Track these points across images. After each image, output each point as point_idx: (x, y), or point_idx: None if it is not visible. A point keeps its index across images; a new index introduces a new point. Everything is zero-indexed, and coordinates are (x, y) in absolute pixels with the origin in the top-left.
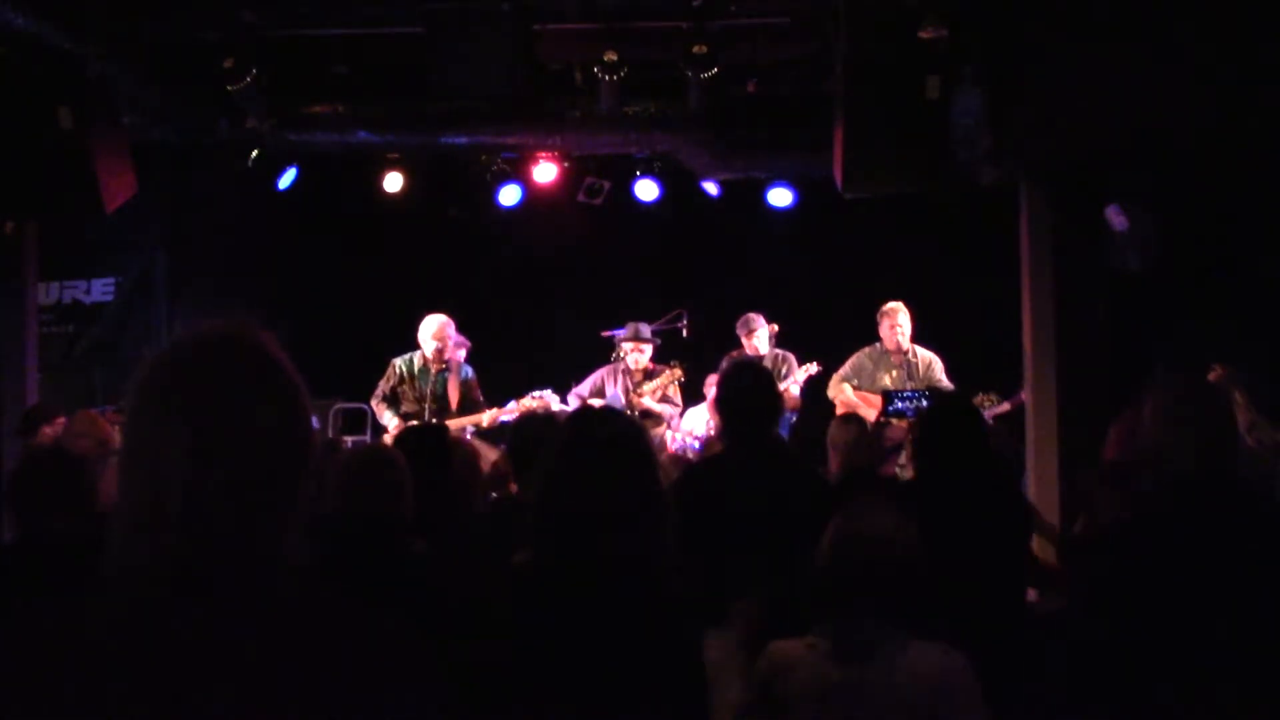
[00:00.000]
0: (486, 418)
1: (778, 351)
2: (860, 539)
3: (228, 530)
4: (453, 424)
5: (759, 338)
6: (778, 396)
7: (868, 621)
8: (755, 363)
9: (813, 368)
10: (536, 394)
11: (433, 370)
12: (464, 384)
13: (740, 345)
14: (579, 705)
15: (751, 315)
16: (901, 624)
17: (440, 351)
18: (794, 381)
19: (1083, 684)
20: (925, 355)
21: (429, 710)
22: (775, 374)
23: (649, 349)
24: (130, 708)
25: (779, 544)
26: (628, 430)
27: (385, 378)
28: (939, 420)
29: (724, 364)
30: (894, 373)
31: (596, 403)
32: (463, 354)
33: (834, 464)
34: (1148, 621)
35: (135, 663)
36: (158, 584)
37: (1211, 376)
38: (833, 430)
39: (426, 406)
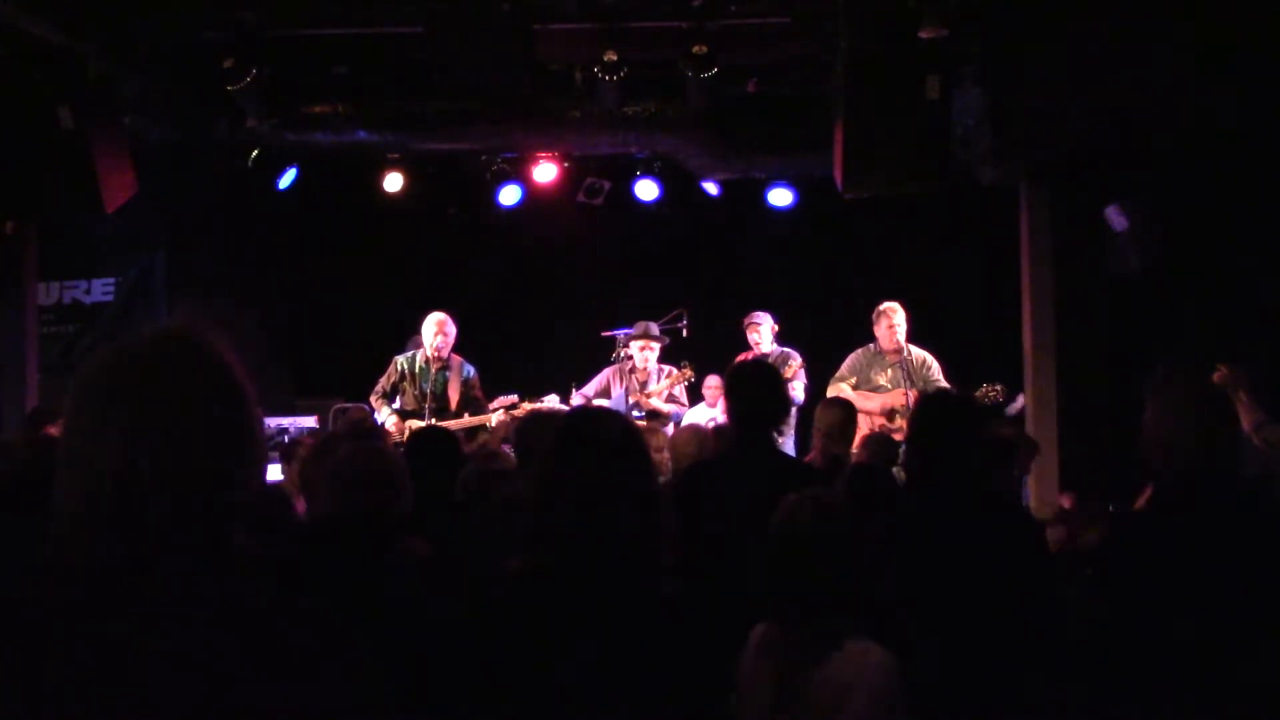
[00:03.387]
0: (494, 419)
1: (780, 349)
2: (785, 534)
3: (162, 524)
4: (454, 424)
5: (762, 334)
6: (780, 394)
7: (799, 614)
8: (762, 362)
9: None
10: (538, 402)
11: (433, 369)
12: (465, 383)
13: (749, 345)
14: (575, 708)
15: (756, 312)
16: (837, 619)
17: (441, 349)
18: (796, 380)
19: (1087, 678)
20: (920, 354)
21: (362, 704)
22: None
23: (658, 347)
24: (67, 698)
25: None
26: (623, 432)
27: (386, 374)
28: (930, 418)
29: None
30: (889, 372)
31: (600, 403)
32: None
33: (815, 447)
34: (1151, 617)
35: (72, 654)
36: (94, 576)
37: (1216, 377)
38: (817, 414)
39: (426, 405)
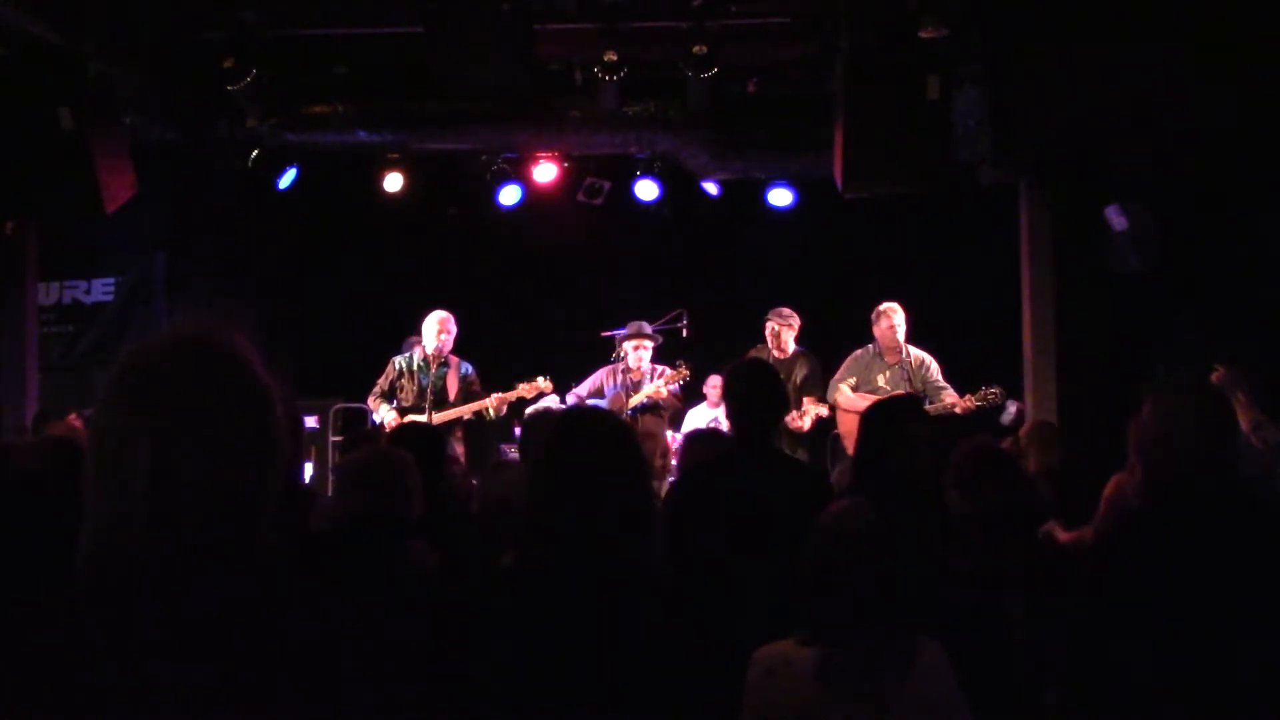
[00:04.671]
0: (492, 402)
1: (802, 350)
2: (851, 541)
3: (194, 530)
4: (452, 413)
5: (788, 334)
6: (782, 395)
7: (861, 624)
8: (761, 360)
9: (824, 410)
10: (531, 382)
11: (432, 366)
12: (463, 380)
13: (763, 340)
14: (570, 709)
15: (786, 309)
16: (890, 625)
17: (443, 348)
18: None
19: (1082, 685)
20: (919, 355)
21: (408, 703)
22: (791, 372)
23: (651, 346)
24: (103, 709)
25: (780, 544)
26: (616, 431)
27: (384, 374)
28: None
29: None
30: (888, 373)
31: (594, 403)
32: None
33: (850, 448)
34: (1148, 620)
35: (107, 663)
36: (127, 585)
37: (1214, 377)
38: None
39: (427, 402)
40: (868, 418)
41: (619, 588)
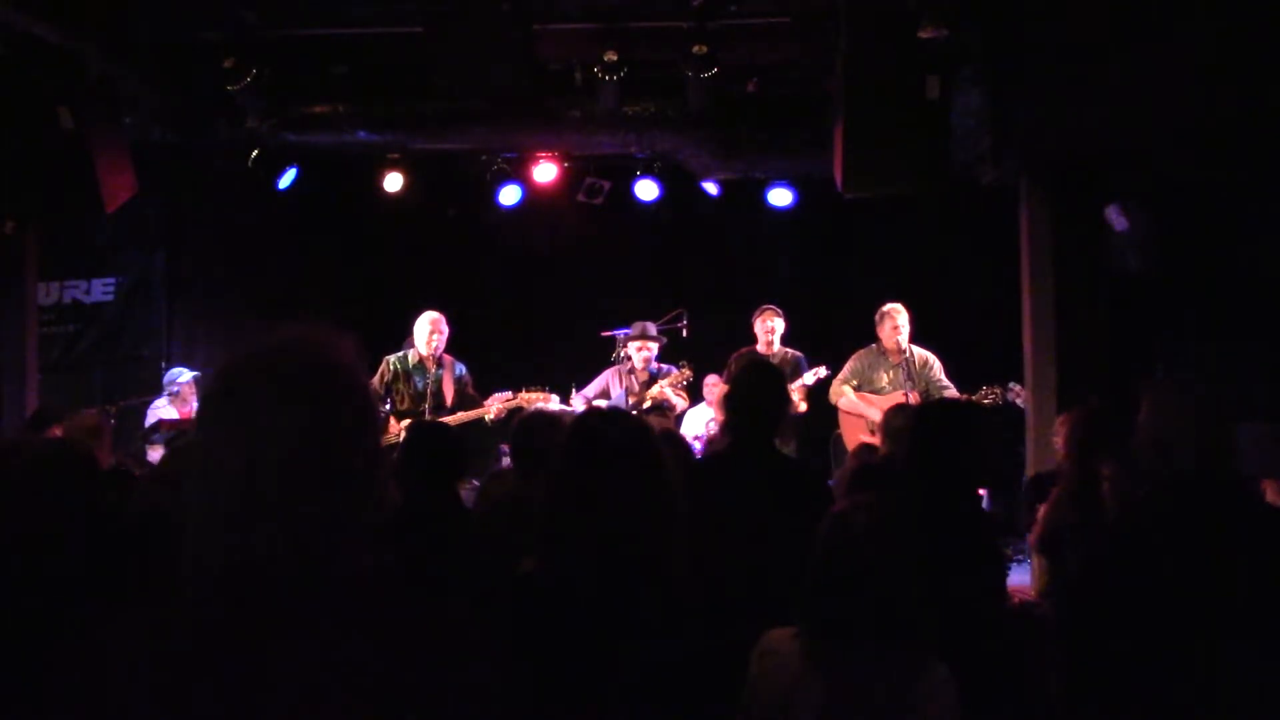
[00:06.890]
0: (494, 408)
1: (787, 350)
2: (854, 538)
3: (287, 536)
4: (453, 419)
5: (776, 329)
6: (785, 398)
7: (857, 628)
8: (767, 361)
9: (821, 371)
10: (535, 392)
11: (430, 369)
12: (458, 381)
13: (754, 339)
14: (589, 712)
15: (770, 308)
16: (889, 632)
17: (438, 349)
18: (800, 384)
19: (1077, 686)
20: (922, 354)
21: (497, 705)
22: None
23: (656, 348)
24: (200, 712)
25: (777, 543)
26: (635, 432)
27: (378, 374)
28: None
29: (733, 361)
30: (891, 372)
31: (602, 404)
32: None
33: (884, 450)
34: (1145, 620)
35: (205, 667)
36: (225, 589)
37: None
38: (886, 418)
39: (426, 405)
40: (924, 418)
41: (643, 595)
